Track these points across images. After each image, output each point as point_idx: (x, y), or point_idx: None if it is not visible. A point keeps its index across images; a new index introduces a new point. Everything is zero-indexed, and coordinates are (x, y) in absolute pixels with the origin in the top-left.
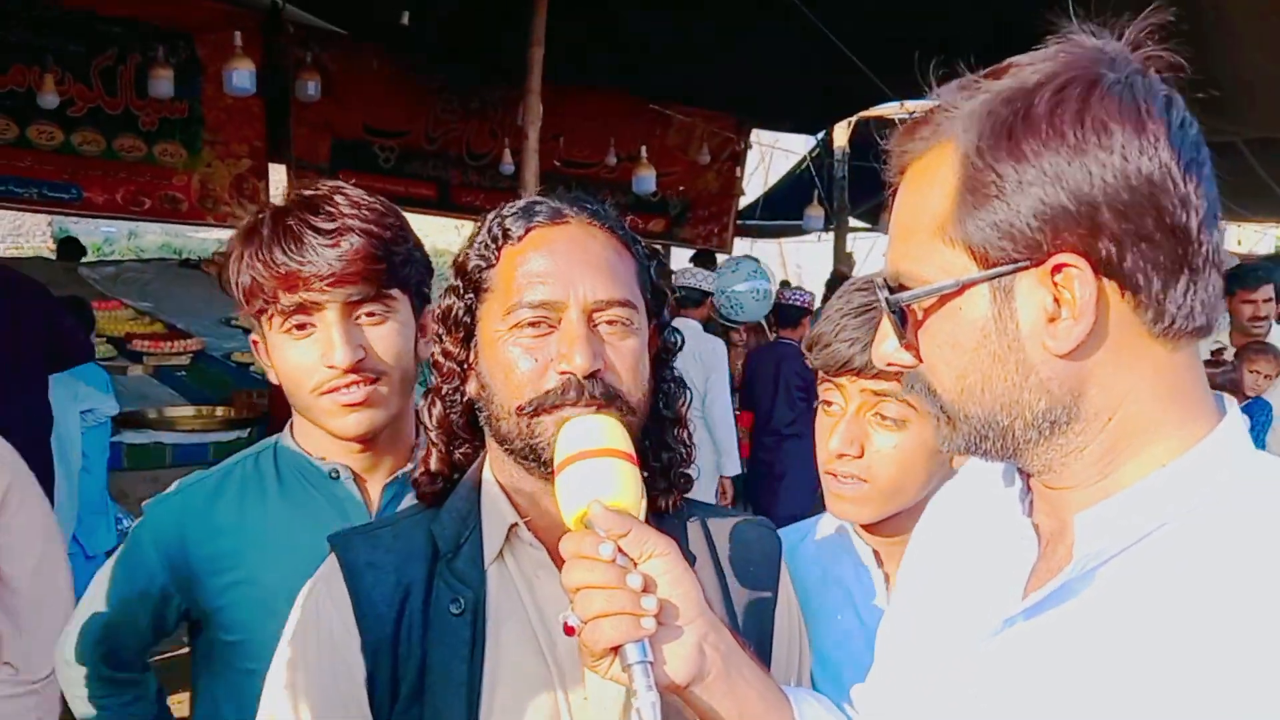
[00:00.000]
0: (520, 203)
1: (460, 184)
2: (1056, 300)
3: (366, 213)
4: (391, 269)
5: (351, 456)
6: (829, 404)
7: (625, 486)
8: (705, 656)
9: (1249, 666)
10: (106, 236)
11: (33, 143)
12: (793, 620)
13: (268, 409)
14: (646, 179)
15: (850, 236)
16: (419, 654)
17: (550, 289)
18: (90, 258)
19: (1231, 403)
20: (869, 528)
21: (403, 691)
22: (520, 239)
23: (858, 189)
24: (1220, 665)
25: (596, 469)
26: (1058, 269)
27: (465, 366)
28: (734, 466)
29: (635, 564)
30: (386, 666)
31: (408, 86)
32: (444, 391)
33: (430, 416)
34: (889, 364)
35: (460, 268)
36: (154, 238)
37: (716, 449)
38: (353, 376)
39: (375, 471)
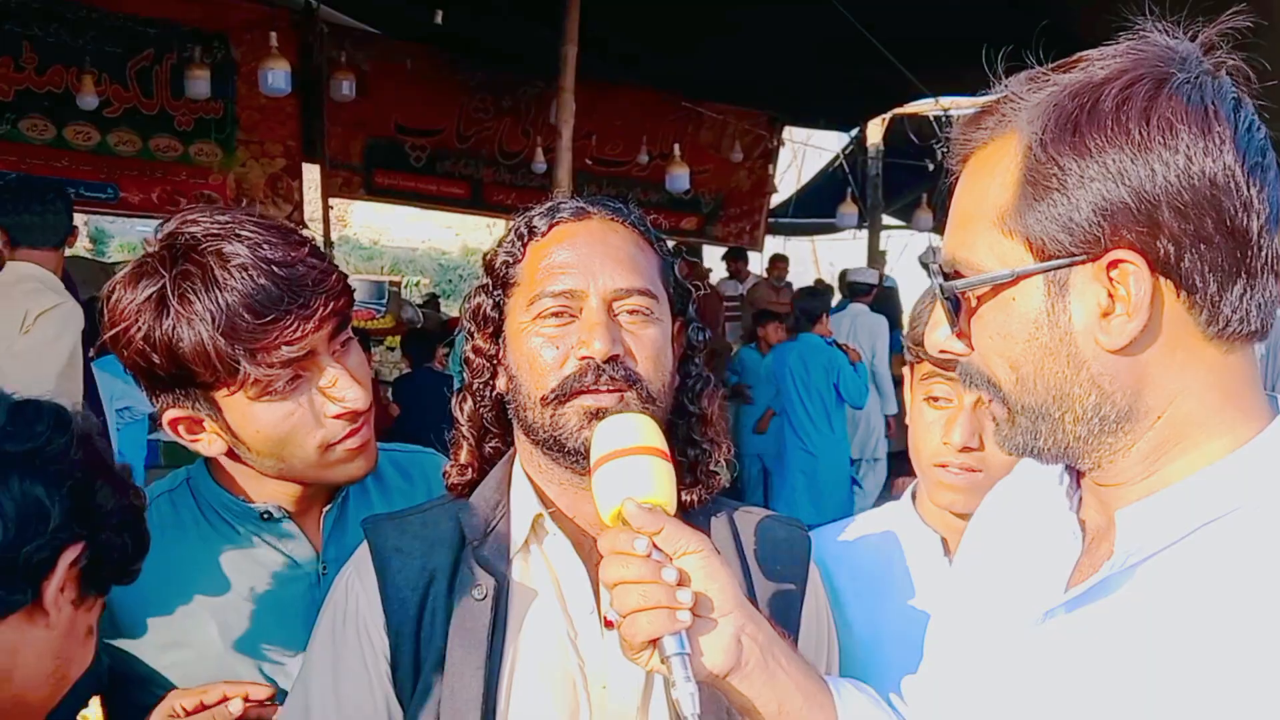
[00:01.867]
0: (546, 203)
1: (492, 182)
2: (1111, 296)
3: (294, 236)
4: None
5: (283, 495)
6: (935, 399)
7: (659, 483)
8: (743, 648)
9: None
10: (142, 236)
11: (70, 143)
12: (821, 622)
13: None
14: (680, 177)
15: (884, 234)
16: (441, 637)
17: (571, 278)
18: (126, 257)
19: None
20: (959, 513)
21: (424, 672)
22: (544, 234)
23: (891, 186)
24: (1255, 663)
25: (631, 467)
26: (1114, 265)
27: (495, 362)
28: (892, 406)
29: (670, 559)
30: (409, 649)
31: (440, 85)
32: (475, 387)
33: (462, 412)
34: (941, 351)
35: (489, 265)
36: None
37: (880, 395)
38: (361, 417)
39: (311, 503)
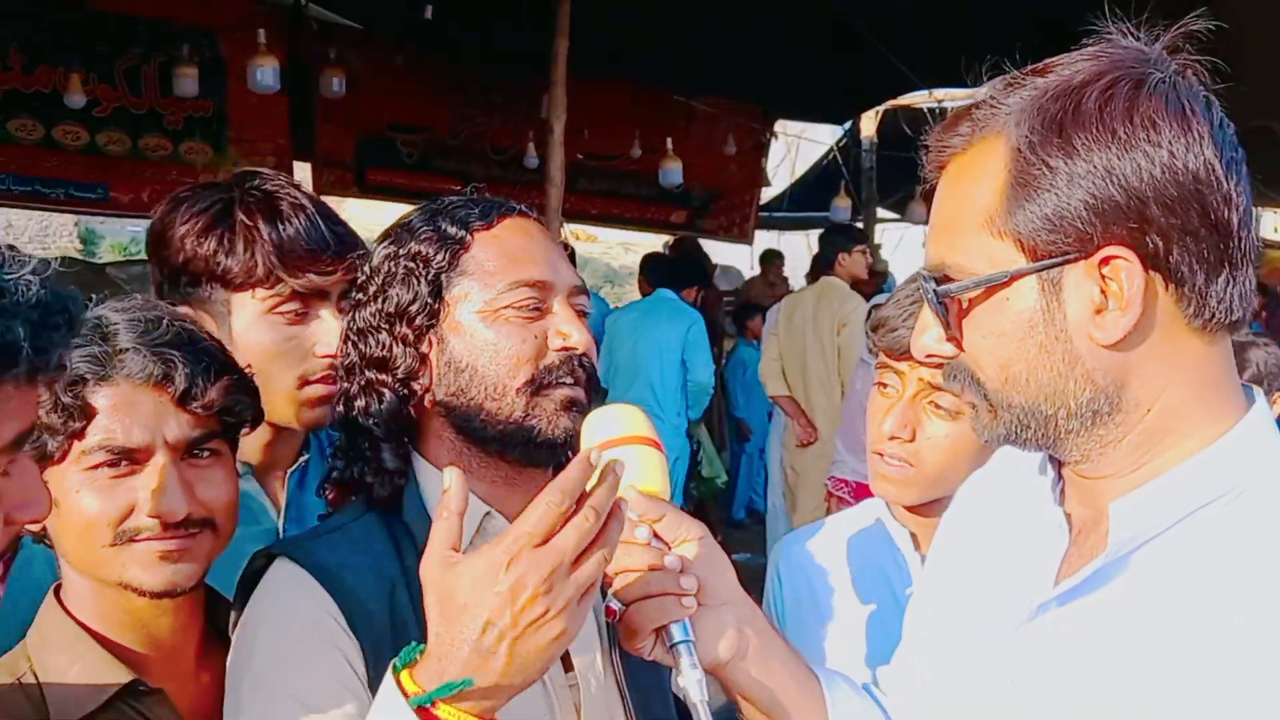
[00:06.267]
0: (459, 199)
1: (485, 178)
2: (1104, 292)
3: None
4: None
5: (253, 453)
6: (884, 385)
7: (656, 472)
8: (744, 635)
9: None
10: (133, 236)
11: (59, 143)
12: None
13: None
14: (673, 171)
15: (879, 227)
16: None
17: (541, 270)
18: (117, 257)
19: (1259, 392)
20: (909, 508)
21: None
22: (492, 225)
23: (886, 179)
24: (1251, 646)
25: (628, 455)
26: (1106, 261)
27: (424, 359)
28: None
29: (670, 547)
30: (388, 663)
31: (431, 81)
32: (396, 386)
33: (380, 413)
34: (929, 355)
35: (422, 257)
36: None
37: None
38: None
39: (275, 465)
